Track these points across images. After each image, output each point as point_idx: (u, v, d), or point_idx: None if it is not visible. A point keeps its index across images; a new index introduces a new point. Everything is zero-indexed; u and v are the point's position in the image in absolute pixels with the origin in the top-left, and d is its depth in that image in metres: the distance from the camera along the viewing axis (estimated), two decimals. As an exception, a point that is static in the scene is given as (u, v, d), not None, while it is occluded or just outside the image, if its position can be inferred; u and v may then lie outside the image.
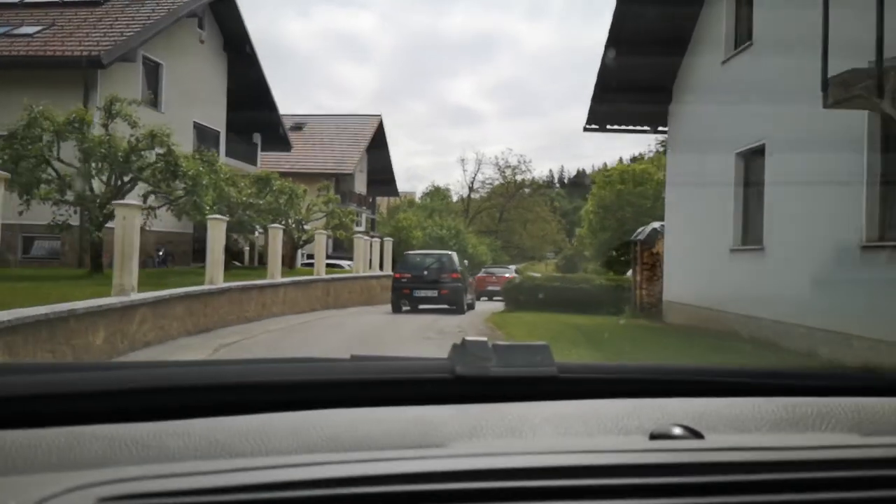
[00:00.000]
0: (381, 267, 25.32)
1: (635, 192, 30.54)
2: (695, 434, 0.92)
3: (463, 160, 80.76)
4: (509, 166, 69.65)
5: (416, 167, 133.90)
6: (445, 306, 18.53)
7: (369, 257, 24.34)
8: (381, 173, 48.28)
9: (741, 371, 1.30)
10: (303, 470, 0.76)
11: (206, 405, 0.96)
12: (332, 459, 0.80)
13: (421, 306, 18.50)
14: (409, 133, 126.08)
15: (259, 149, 31.89)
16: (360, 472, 0.75)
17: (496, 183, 70.85)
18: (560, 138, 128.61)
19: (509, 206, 70.70)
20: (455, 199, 70.53)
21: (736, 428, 0.99)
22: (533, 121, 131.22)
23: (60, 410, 0.93)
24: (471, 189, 70.46)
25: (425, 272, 18.88)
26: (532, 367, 1.04)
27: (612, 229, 31.11)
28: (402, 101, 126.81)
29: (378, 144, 46.35)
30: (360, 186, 45.70)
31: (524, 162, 70.76)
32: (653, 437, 0.92)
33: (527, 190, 71.88)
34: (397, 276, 19.20)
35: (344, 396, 1.03)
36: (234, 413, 0.95)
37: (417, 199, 68.82)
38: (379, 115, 46.34)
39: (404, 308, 18.52)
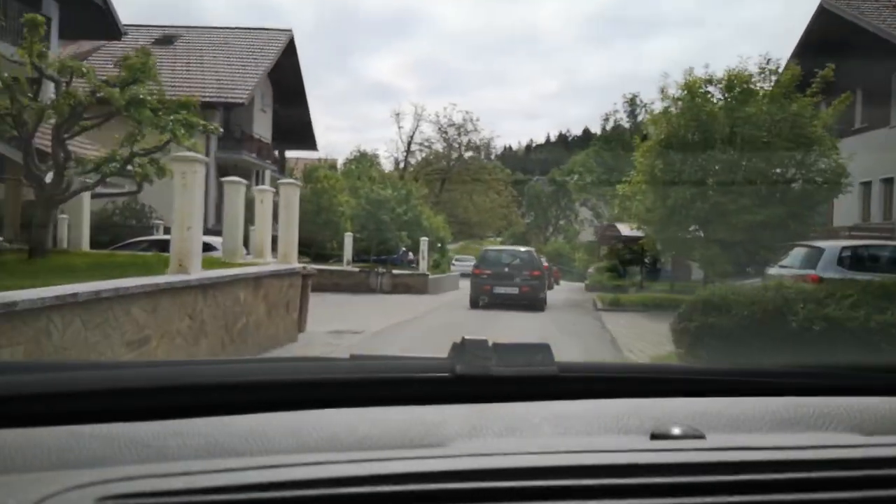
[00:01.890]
0: (274, 249, 10.36)
1: (742, 116, 16.66)
2: (695, 434, 0.89)
3: (398, 115, 63.65)
4: (453, 125, 55.04)
5: (334, 143, 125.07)
6: (524, 302, 17.36)
7: (240, 224, 9.33)
8: (292, 118, 33.00)
9: (741, 371, 1.25)
10: (302, 469, 0.73)
11: (205, 405, 0.91)
12: (332, 459, 0.77)
13: (499, 301, 17.30)
14: (327, 109, 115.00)
15: (55, 30, 16.20)
16: (360, 472, 0.73)
17: (436, 145, 56.09)
18: (481, 117, 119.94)
19: (452, 173, 56.26)
20: (387, 166, 54.95)
21: (736, 428, 0.96)
22: (453, 99, 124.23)
23: (60, 410, 0.88)
24: (408, 151, 55.47)
25: (506, 268, 17.76)
26: (533, 367, 0.99)
27: (695, 181, 16.93)
28: (321, 75, 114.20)
29: (288, 74, 31.05)
30: (263, 130, 30.34)
31: (471, 120, 55.51)
32: (653, 436, 0.89)
33: (472, 153, 57.30)
34: (477, 271, 18.38)
35: (344, 396, 0.98)
36: (234, 413, 0.90)
37: (340, 166, 53.07)
38: (289, 31, 30.90)
39: (482, 303, 17.62)
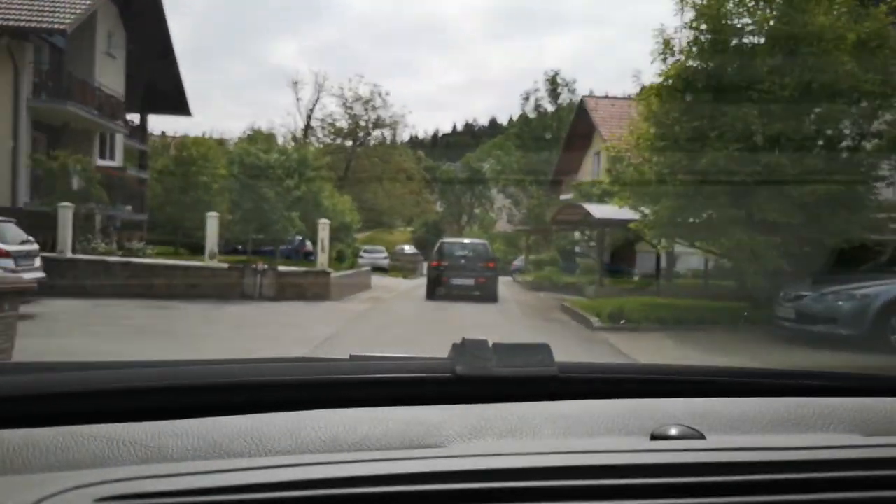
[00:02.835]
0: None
1: (811, 31, 10.75)
2: (696, 434, 0.88)
3: (296, 83, 53.67)
4: (359, 99, 47.72)
5: (231, 130, 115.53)
6: (478, 293, 17.16)
7: None
8: (155, 71, 25.12)
9: (742, 371, 1.23)
10: (301, 470, 0.72)
11: (203, 405, 0.90)
12: (332, 460, 0.76)
13: (455, 293, 17.16)
14: (223, 93, 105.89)
15: None
16: (360, 473, 0.72)
17: (340, 122, 48.58)
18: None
19: (359, 155, 48.99)
20: (286, 144, 46.83)
21: (737, 428, 0.94)
22: (359, 87, 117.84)
23: (59, 410, 0.87)
24: (308, 126, 47.72)
25: (462, 260, 17.56)
26: (533, 367, 0.98)
27: (733, 136, 10.77)
28: (217, 58, 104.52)
29: (146, 11, 23.20)
30: (110, 81, 22.36)
31: (380, 94, 48.20)
32: (654, 437, 0.88)
33: (380, 132, 50.14)
34: (434, 264, 18.12)
35: (343, 396, 0.96)
36: (233, 413, 0.88)
37: (232, 147, 44.66)
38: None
39: (439, 293, 17.34)
